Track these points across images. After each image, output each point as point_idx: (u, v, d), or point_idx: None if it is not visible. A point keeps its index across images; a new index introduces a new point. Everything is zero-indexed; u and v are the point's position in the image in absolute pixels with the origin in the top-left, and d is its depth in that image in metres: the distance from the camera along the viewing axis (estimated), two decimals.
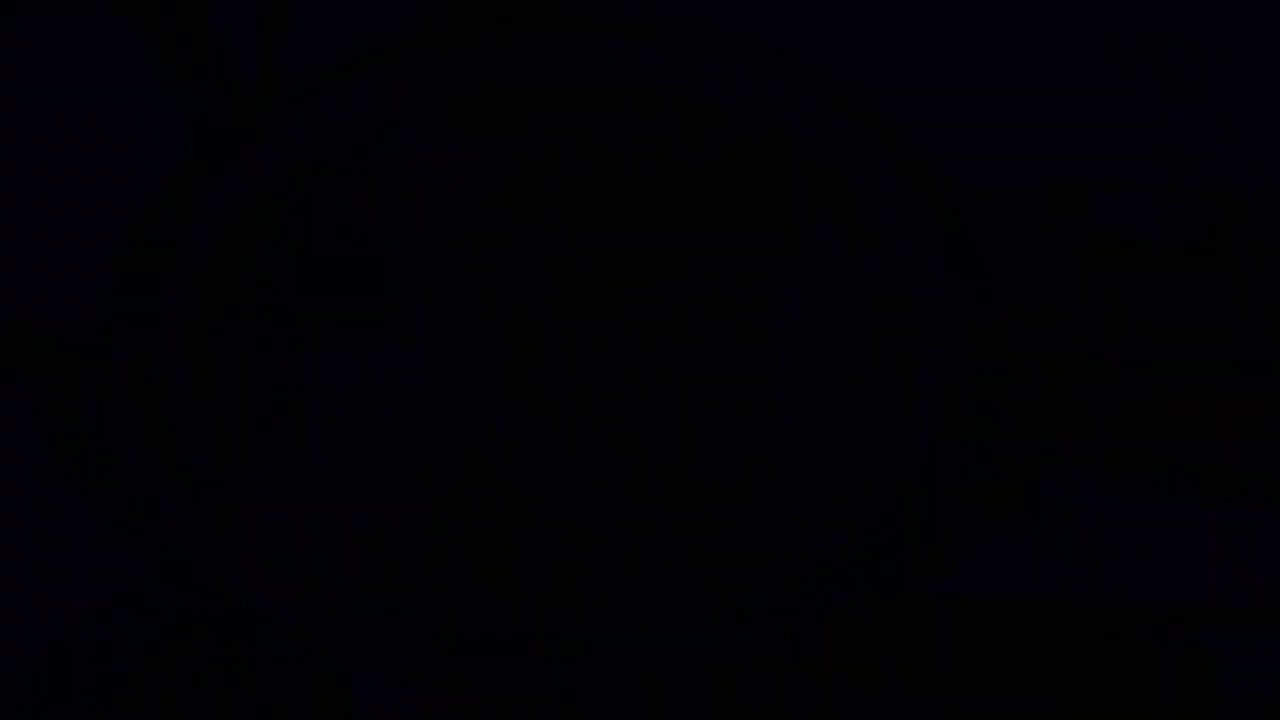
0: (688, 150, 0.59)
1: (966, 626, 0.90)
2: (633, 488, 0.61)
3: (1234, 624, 0.85)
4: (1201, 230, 1.03)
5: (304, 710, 0.83)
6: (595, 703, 0.62)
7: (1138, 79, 1.08)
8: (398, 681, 0.68)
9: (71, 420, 0.48)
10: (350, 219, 0.83)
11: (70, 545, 1.26)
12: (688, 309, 0.61)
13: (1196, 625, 0.86)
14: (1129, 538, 0.92)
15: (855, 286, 0.76)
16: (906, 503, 0.51)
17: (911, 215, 0.46)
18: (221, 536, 0.50)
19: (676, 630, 0.53)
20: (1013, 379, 0.47)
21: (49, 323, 0.47)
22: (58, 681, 0.87)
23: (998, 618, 0.89)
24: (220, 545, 0.50)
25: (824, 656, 0.88)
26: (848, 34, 1.10)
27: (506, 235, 0.60)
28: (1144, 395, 0.92)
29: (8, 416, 0.68)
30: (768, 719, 0.84)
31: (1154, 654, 0.86)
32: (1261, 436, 0.89)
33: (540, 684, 0.54)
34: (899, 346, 0.52)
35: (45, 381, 0.47)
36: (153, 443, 0.49)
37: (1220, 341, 0.91)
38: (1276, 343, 0.90)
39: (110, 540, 0.50)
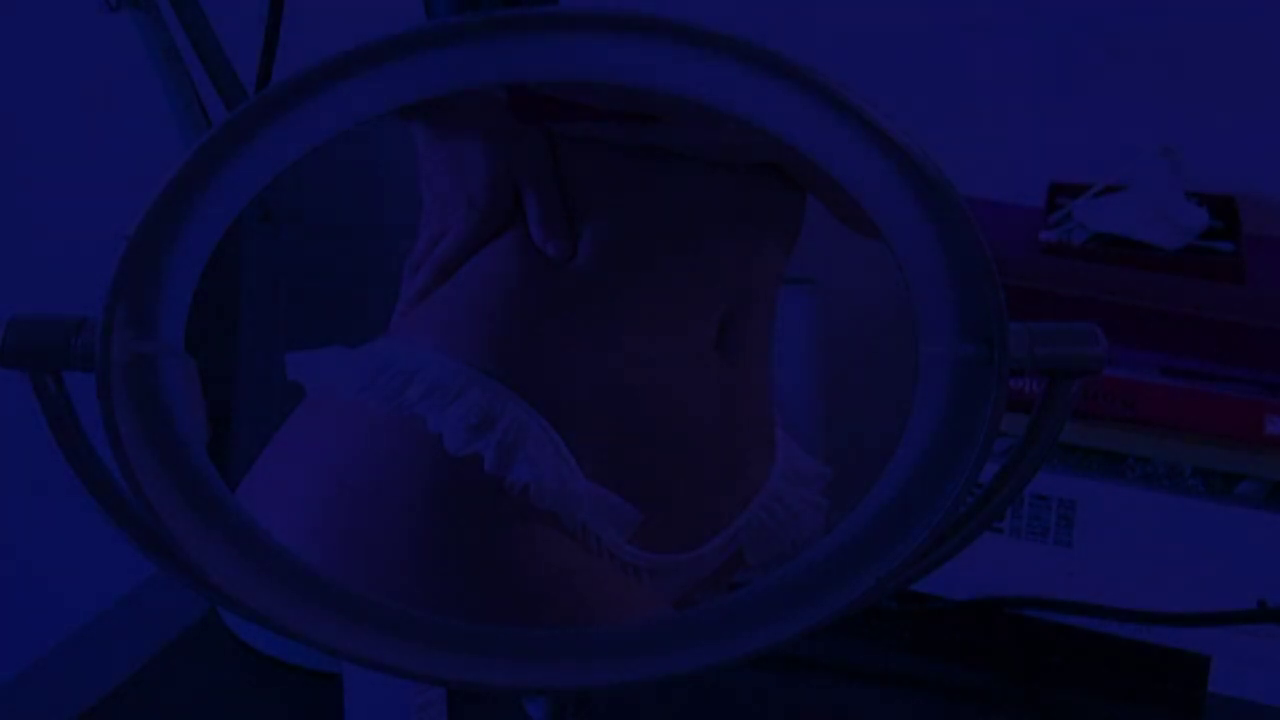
0: (685, 148, 0.59)
1: (965, 627, 0.90)
2: (632, 486, 0.61)
3: (1232, 624, 0.85)
4: (1203, 230, 1.02)
5: (302, 710, 0.83)
6: (593, 703, 0.62)
7: (1138, 79, 1.08)
8: (394, 681, 0.67)
9: (71, 419, 0.48)
10: (348, 215, 0.83)
11: (70, 545, 1.26)
12: (688, 305, 0.61)
13: (1194, 625, 0.86)
14: (1129, 537, 0.92)
15: (855, 287, 0.76)
16: (907, 502, 0.51)
17: (911, 216, 0.46)
18: (220, 535, 0.50)
19: (676, 631, 0.53)
20: (1013, 378, 0.47)
21: (49, 322, 0.47)
22: (58, 681, 0.87)
23: (996, 617, 0.89)
24: (218, 543, 0.50)
25: (824, 656, 0.88)
26: (847, 33, 1.10)
27: (505, 230, 0.60)
28: (1144, 395, 0.92)
29: (7, 415, 0.68)
30: (766, 718, 0.84)
31: (1150, 653, 0.86)
32: (1262, 437, 0.89)
33: (538, 684, 0.54)
34: (899, 346, 0.52)
35: (45, 380, 0.47)
36: (153, 442, 0.49)
37: (1222, 341, 0.91)
38: (1278, 342, 0.90)
39: (110, 540, 0.49)
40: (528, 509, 0.58)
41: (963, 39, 1.12)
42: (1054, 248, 1.02)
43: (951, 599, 0.90)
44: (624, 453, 0.60)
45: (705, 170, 0.60)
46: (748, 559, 0.67)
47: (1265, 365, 0.90)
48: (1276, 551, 0.88)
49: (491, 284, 0.59)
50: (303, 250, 0.83)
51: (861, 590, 0.51)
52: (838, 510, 0.69)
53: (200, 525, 0.50)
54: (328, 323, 0.81)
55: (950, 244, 0.46)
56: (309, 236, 0.83)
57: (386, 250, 0.64)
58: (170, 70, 0.80)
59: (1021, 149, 1.12)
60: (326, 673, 0.82)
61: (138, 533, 0.49)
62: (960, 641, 0.89)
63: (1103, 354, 0.48)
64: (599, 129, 0.58)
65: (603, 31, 0.43)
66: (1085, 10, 1.09)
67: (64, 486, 0.48)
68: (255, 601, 0.50)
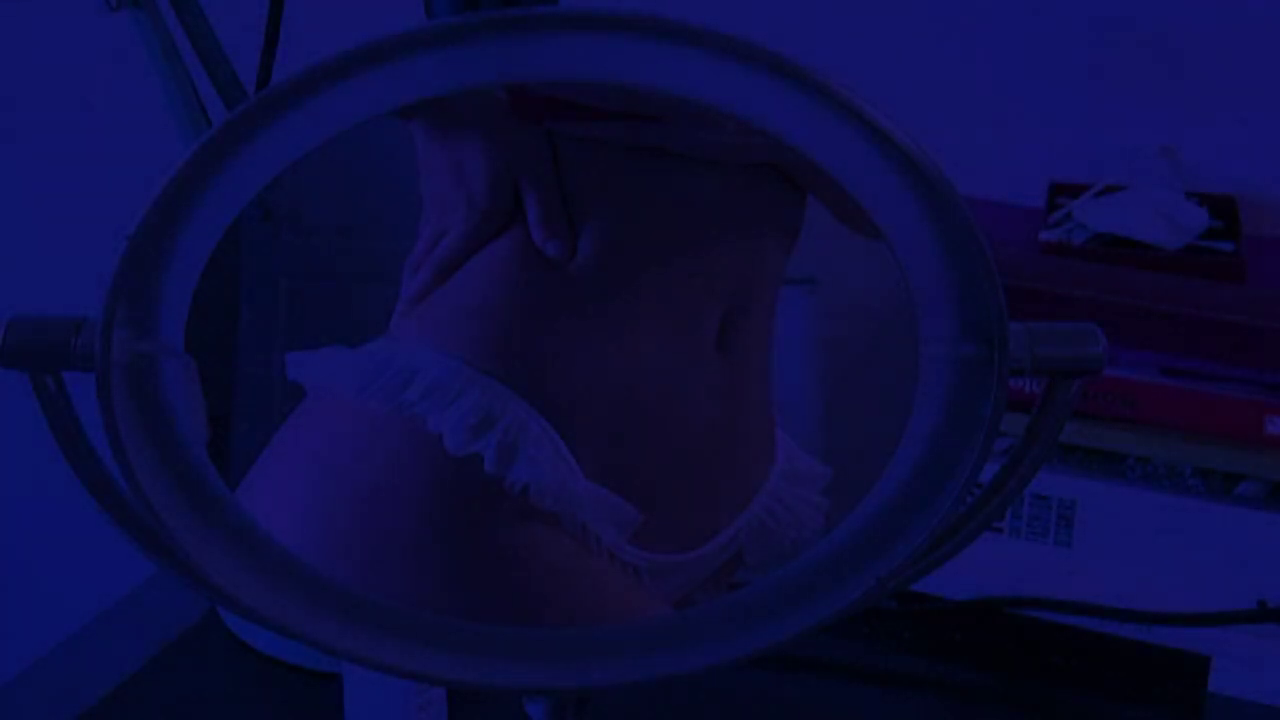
0: (685, 148, 0.59)
1: (965, 627, 0.90)
2: (632, 486, 0.61)
3: (1232, 624, 0.85)
4: (1203, 230, 1.02)
5: (302, 710, 0.83)
6: (593, 703, 0.62)
7: (1138, 79, 1.08)
8: (394, 681, 0.67)
9: (71, 419, 0.48)
10: (348, 215, 0.83)
11: (70, 545, 1.26)
12: (687, 305, 0.61)
13: (1194, 625, 0.86)
14: (1129, 537, 0.92)
15: (855, 287, 0.76)
16: (907, 502, 0.51)
17: (911, 216, 0.46)
18: (220, 534, 0.50)
19: (676, 631, 0.53)
20: (1013, 378, 0.47)
21: (49, 322, 0.47)
22: (58, 681, 0.87)
23: (996, 617, 0.89)
24: (218, 543, 0.50)
25: (824, 656, 0.88)
26: (847, 33, 1.10)
27: (505, 230, 0.60)
28: (1144, 395, 0.92)
29: (7, 415, 0.68)
30: (766, 718, 0.84)
31: (1150, 653, 0.86)
32: (1262, 437, 0.89)
33: (538, 684, 0.54)
34: (899, 346, 0.52)
35: (45, 380, 0.47)
36: (153, 442, 0.49)
37: (1222, 341, 0.91)
38: (1278, 342, 0.90)
39: (110, 540, 0.50)
40: (528, 509, 0.58)
41: (963, 39, 1.12)
42: (1054, 248, 1.02)
43: (951, 599, 0.90)
44: (624, 453, 0.60)
45: (705, 170, 0.60)
46: (748, 559, 0.67)
47: (1265, 365, 0.90)
48: (1276, 551, 0.88)
49: (491, 284, 0.59)
50: (303, 250, 0.83)
51: (861, 590, 0.51)
52: (838, 510, 0.69)
53: (200, 525, 0.50)
54: (328, 323, 0.81)
55: (950, 244, 0.46)
56: (309, 236, 0.83)
57: (386, 250, 0.64)
58: (170, 70, 0.80)
59: (1021, 149, 1.12)
60: (326, 673, 0.82)
61: (138, 533, 0.49)
62: (960, 641, 0.89)
63: (1103, 354, 0.48)
64: (599, 129, 0.58)
65: (603, 31, 0.43)
66: (1085, 10, 1.08)
67: (64, 486, 0.48)
68: (255, 601, 0.50)
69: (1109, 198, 1.05)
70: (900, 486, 0.50)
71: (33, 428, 0.47)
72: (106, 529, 0.49)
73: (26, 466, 0.93)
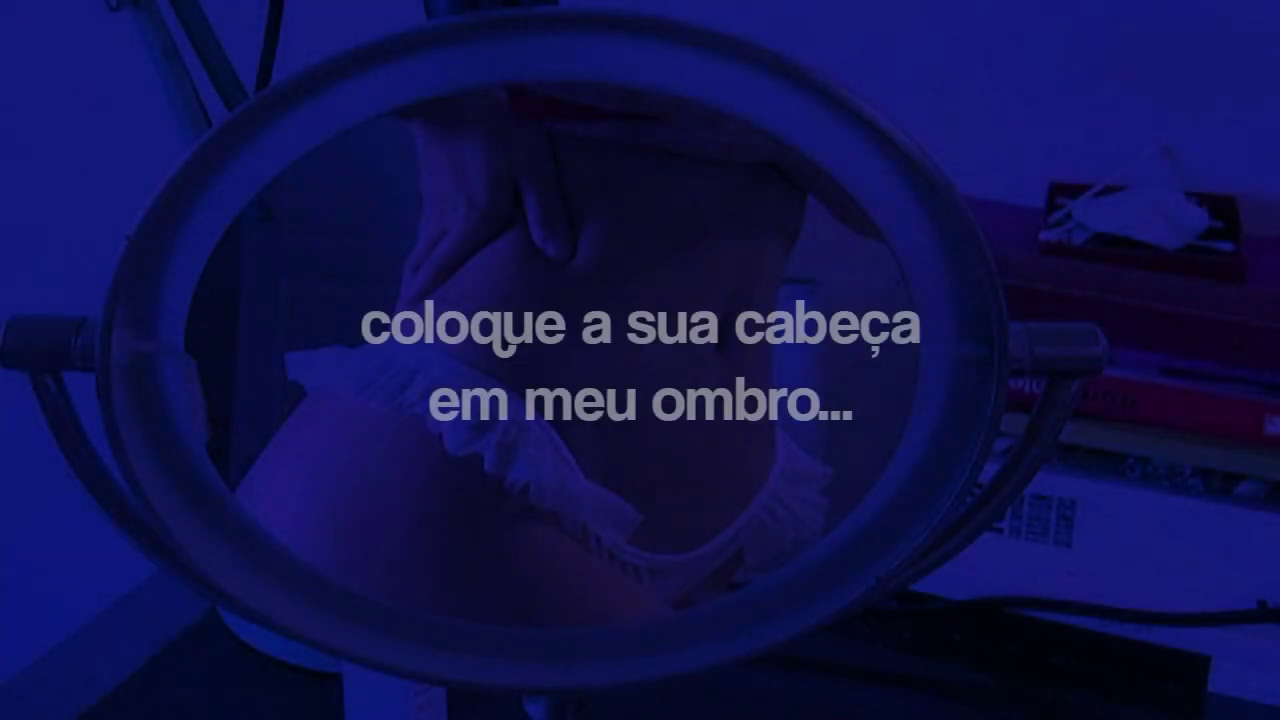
0: (685, 148, 0.59)
1: (965, 627, 0.90)
2: (632, 486, 0.61)
3: (1232, 624, 0.85)
4: (1203, 230, 1.02)
5: (302, 710, 0.83)
6: (593, 703, 0.62)
7: (1138, 79, 1.08)
8: (394, 681, 0.67)
9: (71, 419, 0.48)
10: (348, 215, 0.83)
11: (70, 545, 1.26)
12: (687, 305, 0.61)
13: (1194, 625, 0.86)
14: (1129, 537, 0.92)
15: (855, 287, 0.76)
16: (907, 502, 0.51)
17: (911, 216, 0.46)
18: (220, 534, 0.50)
19: (676, 631, 0.53)
20: (1013, 378, 0.47)
21: (49, 322, 0.47)
22: (58, 681, 0.87)
23: (996, 617, 0.89)
24: (218, 543, 0.50)
25: (824, 656, 0.88)
26: (847, 33, 1.10)
27: (505, 230, 0.60)
28: (1144, 395, 0.92)
29: (7, 415, 0.68)
30: (766, 718, 0.84)
31: (1150, 653, 0.86)
32: (1262, 437, 0.89)
33: (538, 684, 0.54)
34: (899, 346, 0.52)
35: (45, 380, 0.47)
36: (153, 442, 0.49)
37: (1222, 341, 0.91)
38: (1278, 342, 0.90)
39: (110, 540, 0.50)
40: (528, 509, 0.58)
41: (963, 39, 1.11)
42: (1054, 248, 1.02)
43: (951, 599, 0.90)
44: (624, 453, 0.60)
45: (705, 170, 0.60)
46: (748, 559, 0.67)
47: (1265, 365, 0.90)
48: (1276, 551, 0.88)
49: (491, 284, 0.59)
50: (303, 250, 0.84)
51: (861, 590, 0.51)
52: (838, 510, 0.69)
53: (200, 525, 0.50)
54: (328, 323, 0.81)
55: (950, 244, 0.46)
56: (309, 236, 0.83)
57: (386, 250, 0.64)
58: (170, 70, 0.80)
59: (1021, 149, 1.12)
60: (326, 673, 0.82)
61: (138, 533, 0.49)
62: (960, 641, 0.89)
63: (1103, 354, 0.48)
64: (599, 129, 0.58)
65: (603, 31, 0.43)
66: (1085, 10, 1.08)
67: (64, 486, 0.48)
68: (255, 601, 0.50)
69: (1109, 198, 1.05)
70: (900, 486, 0.50)
71: (33, 428, 0.47)
72: (106, 529, 0.49)
73: (26, 466, 0.93)
